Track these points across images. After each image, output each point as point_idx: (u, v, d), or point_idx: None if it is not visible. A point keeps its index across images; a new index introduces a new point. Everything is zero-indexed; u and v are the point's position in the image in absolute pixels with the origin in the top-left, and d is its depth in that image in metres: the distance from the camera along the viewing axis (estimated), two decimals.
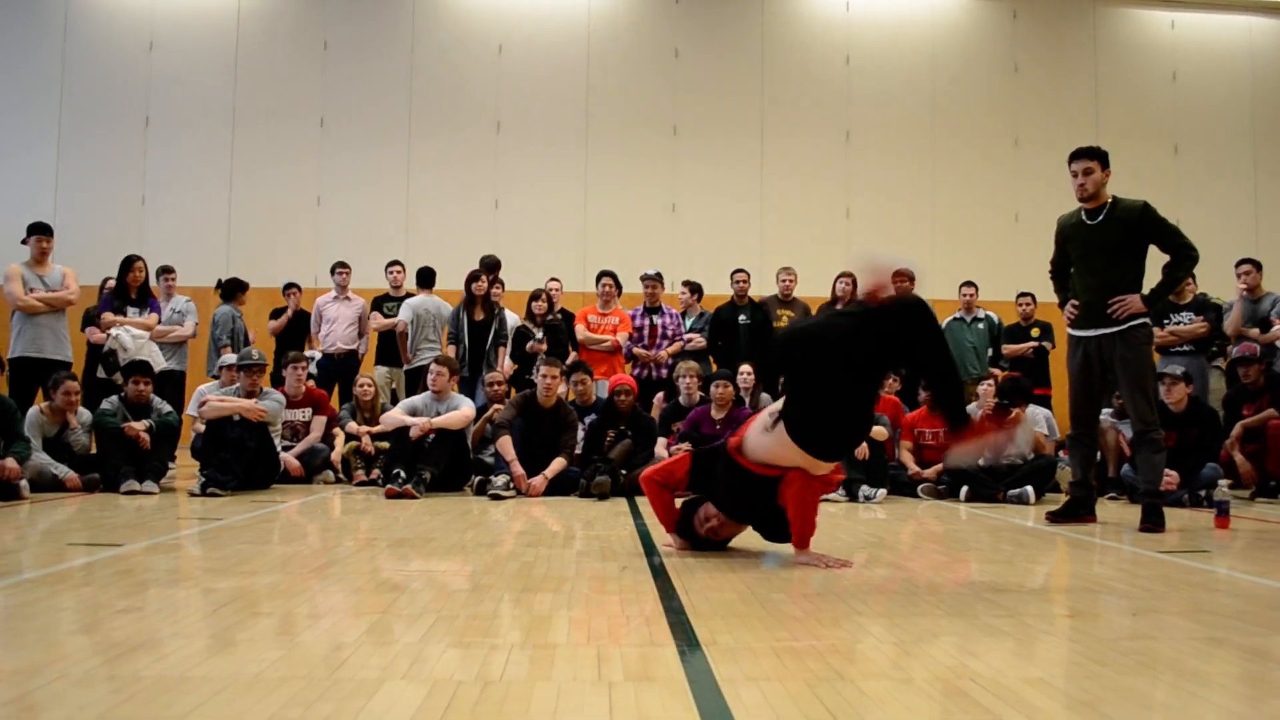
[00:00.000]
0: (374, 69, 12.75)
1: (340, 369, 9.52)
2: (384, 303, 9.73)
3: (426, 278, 9.41)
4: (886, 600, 3.22)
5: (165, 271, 9.35)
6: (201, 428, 7.41)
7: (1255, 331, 8.23)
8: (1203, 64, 13.46)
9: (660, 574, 3.62)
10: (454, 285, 9.38)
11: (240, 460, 6.96)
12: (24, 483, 6.30)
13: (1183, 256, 5.40)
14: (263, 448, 7.22)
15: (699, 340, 9.13)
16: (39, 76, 12.76)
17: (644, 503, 6.55)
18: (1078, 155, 5.58)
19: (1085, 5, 13.31)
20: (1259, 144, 13.37)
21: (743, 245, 11.96)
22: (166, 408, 7.39)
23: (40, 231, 7.79)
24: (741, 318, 9.19)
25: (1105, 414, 7.75)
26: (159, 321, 8.65)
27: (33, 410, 7.09)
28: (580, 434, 7.61)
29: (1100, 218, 5.53)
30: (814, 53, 12.98)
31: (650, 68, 12.84)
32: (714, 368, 8.84)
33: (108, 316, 8.37)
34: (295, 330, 10.04)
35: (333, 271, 9.83)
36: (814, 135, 12.84)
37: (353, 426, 8.08)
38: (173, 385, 8.54)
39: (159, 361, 8.19)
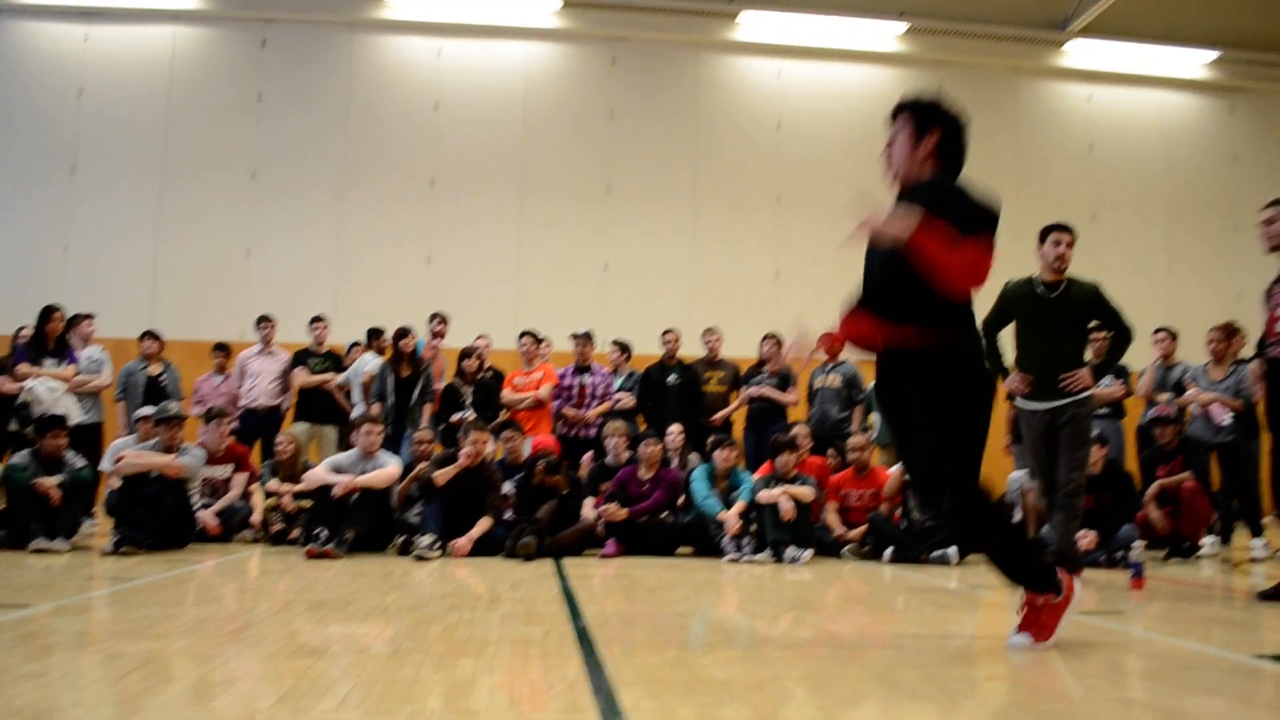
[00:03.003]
0: (308, 122, 12.69)
1: (262, 425, 9.35)
2: (307, 358, 9.59)
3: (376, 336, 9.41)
4: (811, 663, 3.22)
5: (80, 319, 9.06)
6: (117, 483, 7.20)
7: (1164, 396, 8.48)
8: (1119, 136, 13.96)
9: (584, 638, 3.58)
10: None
11: (156, 518, 6.77)
12: None
13: (1125, 337, 5.80)
14: (179, 505, 7.04)
15: (628, 400, 9.14)
16: None
17: (570, 564, 6.50)
18: (1060, 229, 5.78)
19: (1008, 77, 13.75)
20: (1173, 214, 13.86)
21: (673, 305, 12.04)
22: (81, 462, 7.18)
23: None
24: (670, 378, 9.23)
25: (1020, 475, 7.90)
26: (77, 373, 8.43)
27: None
28: (509, 488, 7.57)
29: (1057, 293, 5.76)
30: (746, 117, 13.21)
31: (585, 128, 12.96)
32: (642, 427, 8.85)
33: (23, 368, 8.14)
34: None
35: (257, 325, 9.68)
36: (745, 198, 13.03)
37: (273, 485, 7.92)
38: (89, 439, 8.30)
39: (75, 415, 7.97)
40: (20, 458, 7.01)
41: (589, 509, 7.54)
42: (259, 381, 9.45)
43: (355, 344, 9.76)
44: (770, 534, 7.06)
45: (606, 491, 7.65)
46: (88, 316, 9.13)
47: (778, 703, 2.62)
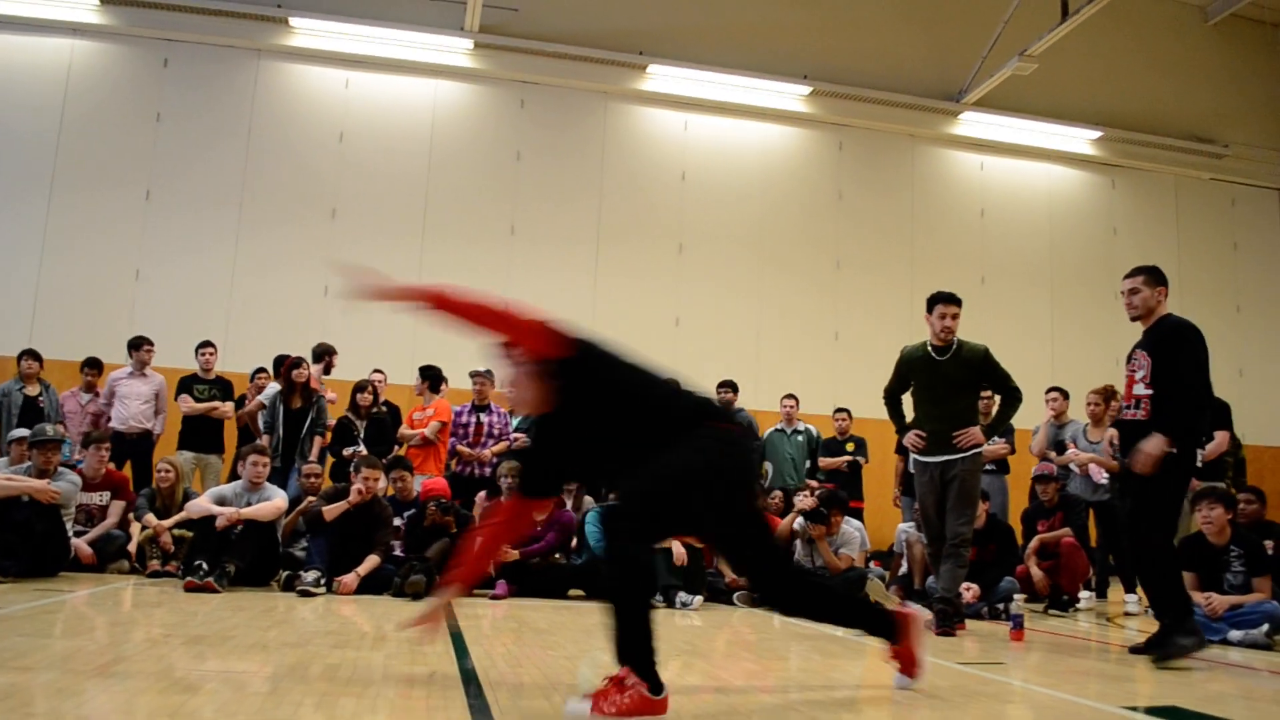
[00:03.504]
0: (208, 146, 12.41)
1: (133, 449, 9.02)
2: (194, 384, 9.31)
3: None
4: (699, 709, 3.22)
5: None
6: None
7: (1054, 454, 8.76)
8: (1007, 203, 14.51)
9: (471, 680, 3.53)
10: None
11: (26, 544, 6.47)
12: None
13: (1012, 398, 6.04)
14: (52, 531, 6.73)
15: (524, 440, 9.09)
16: None
17: (459, 604, 6.41)
18: (946, 300, 6.05)
19: (905, 142, 14.20)
20: (1056, 280, 14.41)
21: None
22: None
23: None
24: None
25: (908, 527, 8.07)
26: None
27: None
28: (398, 523, 7.45)
29: (948, 355, 6.03)
30: (652, 166, 13.36)
31: (492, 168, 12.92)
32: None
33: None
34: None
35: (136, 346, 9.35)
36: (648, 244, 13.13)
37: (149, 519, 7.61)
38: None
39: None
40: None
41: None
42: (129, 404, 9.13)
43: (260, 370, 9.51)
44: (661, 578, 7.07)
45: None
46: None
47: None
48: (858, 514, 9.40)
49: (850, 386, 11.67)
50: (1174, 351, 5.02)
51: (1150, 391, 5.05)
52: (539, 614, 6.20)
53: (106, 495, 7.66)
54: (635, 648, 2.98)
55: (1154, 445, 4.83)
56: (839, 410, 10.28)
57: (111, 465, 8.00)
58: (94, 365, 9.41)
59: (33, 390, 8.97)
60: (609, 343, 3.39)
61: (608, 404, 3.22)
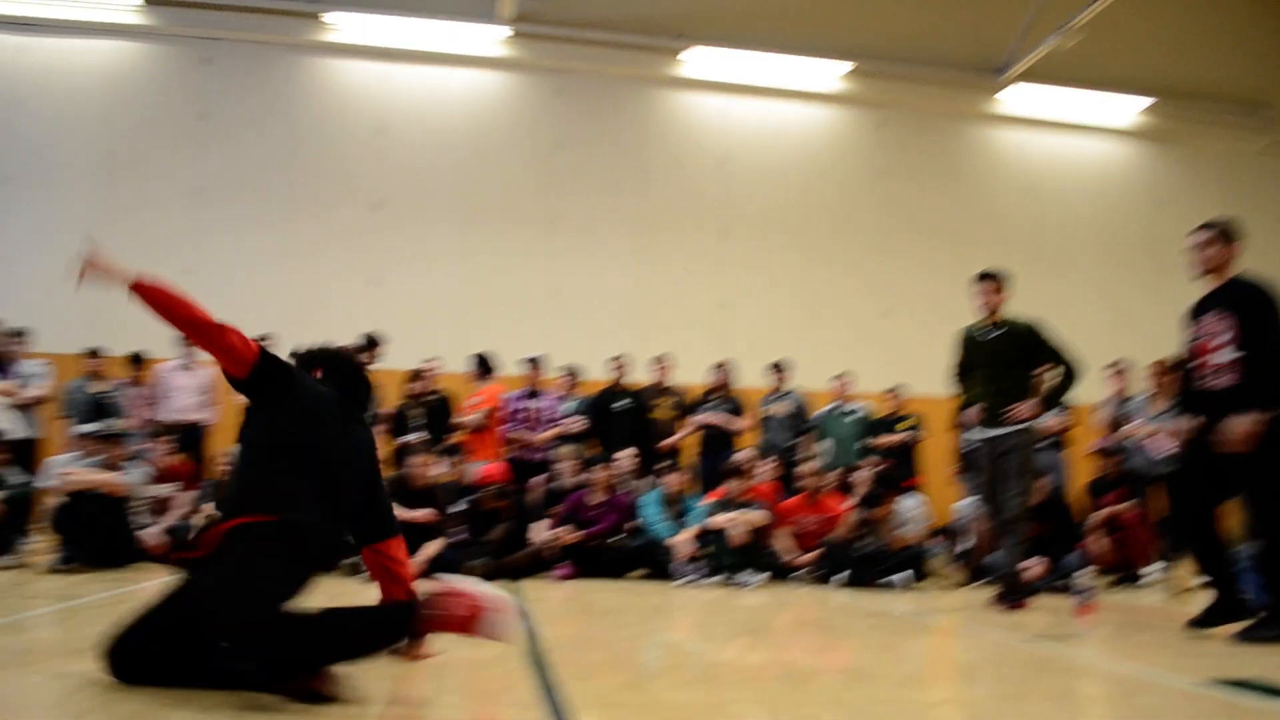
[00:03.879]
0: (252, 143, 12.56)
1: (185, 441, 9.15)
2: None
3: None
4: (764, 687, 3.23)
5: (15, 335, 8.84)
6: (58, 500, 7.04)
7: (1118, 429, 8.65)
8: (1053, 178, 14.32)
9: (537, 661, 3.57)
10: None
11: (96, 536, 6.63)
12: None
13: (1068, 371, 5.95)
14: (119, 523, 6.89)
15: (578, 423, 9.14)
16: None
17: (521, 586, 6.47)
18: (983, 278, 6.10)
19: (947, 121, 14.06)
20: (1105, 255, 14.20)
21: (620, 331, 12.05)
22: (21, 478, 7.02)
23: None
24: (619, 403, 9.25)
25: (968, 504, 8.02)
26: (12, 387, 8.23)
27: None
28: (462, 512, 7.52)
29: (997, 332, 6.06)
30: (692, 150, 13.28)
31: (532, 157, 12.93)
32: (592, 451, 8.84)
33: None
34: None
35: (180, 341, 9.48)
36: (692, 229, 13.09)
37: (208, 508, 7.72)
38: (26, 454, 8.10)
39: (15, 430, 7.79)
40: None
41: (539, 532, 7.51)
42: (179, 397, 9.27)
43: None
44: (722, 558, 7.09)
45: (558, 515, 7.64)
46: (18, 333, 8.89)
47: None
48: (916, 491, 9.35)
49: (904, 364, 11.58)
50: (1261, 313, 4.73)
51: (1239, 354, 4.72)
52: (601, 595, 6.25)
53: (174, 486, 7.81)
54: None
55: (1252, 419, 4.56)
56: (891, 389, 10.21)
57: (178, 457, 8.15)
58: (137, 361, 9.51)
59: (101, 387, 9.12)
60: (298, 376, 3.36)
61: (260, 436, 3.18)
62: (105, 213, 12.11)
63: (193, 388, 9.27)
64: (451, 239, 12.59)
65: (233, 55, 12.60)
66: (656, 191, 13.11)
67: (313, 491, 3.05)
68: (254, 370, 3.19)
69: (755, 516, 7.33)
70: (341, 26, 12.49)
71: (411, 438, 8.54)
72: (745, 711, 2.81)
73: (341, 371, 3.52)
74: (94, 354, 9.19)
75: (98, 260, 3.14)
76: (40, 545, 7.11)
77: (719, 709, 2.83)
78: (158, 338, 10.45)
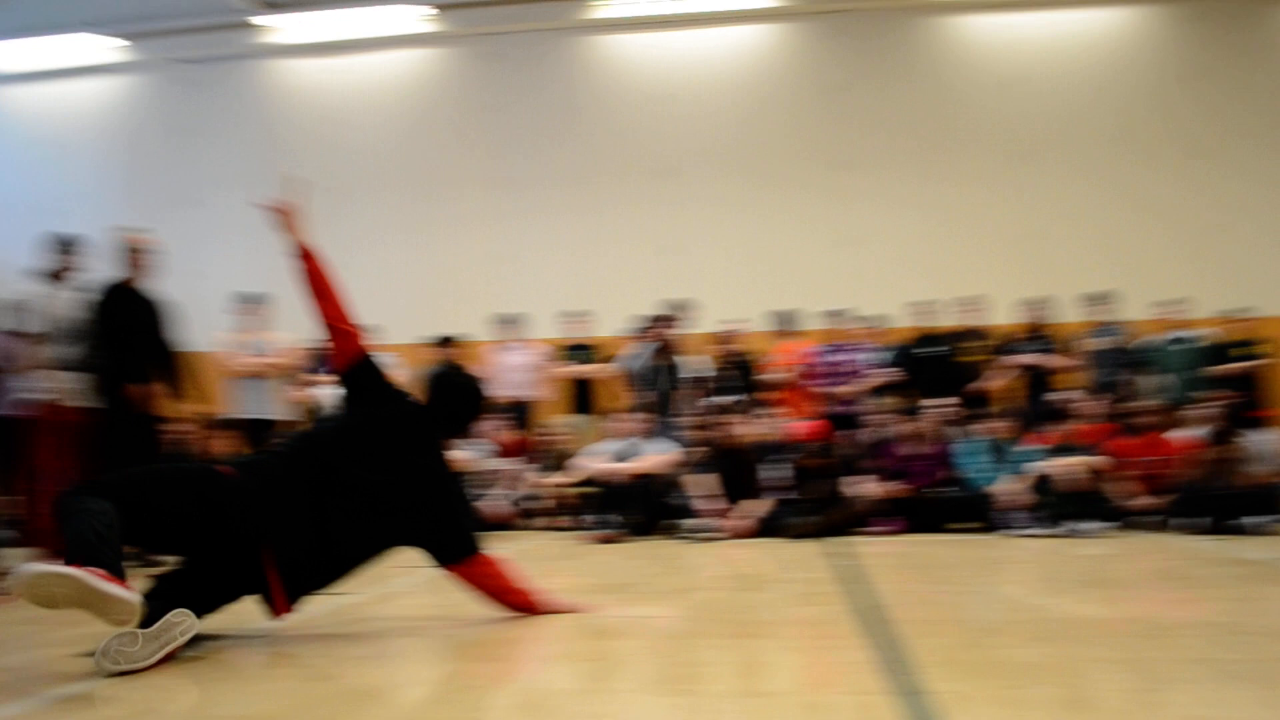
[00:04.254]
0: (530, 123, 13.10)
1: (521, 416, 9.71)
2: (569, 351, 9.93)
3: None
4: (1118, 643, 3.05)
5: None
6: None
7: None
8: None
9: (871, 618, 3.54)
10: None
11: None
12: None
13: None
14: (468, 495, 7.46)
15: (887, 375, 8.95)
16: (242, 158, 13.78)
17: (845, 543, 6.44)
18: None
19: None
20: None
21: (922, 276, 11.65)
22: None
23: (251, 300, 8.34)
24: (929, 350, 8.97)
25: None
26: None
27: None
28: (785, 471, 7.56)
29: None
30: (971, 76, 12.58)
31: (809, 103, 12.73)
32: (905, 402, 8.64)
33: (309, 376, 8.85)
34: None
35: (511, 322, 10.06)
36: (980, 159, 12.43)
37: (545, 477, 8.20)
38: None
39: None
40: None
41: (859, 487, 7.44)
42: (512, 375, 9.83)
43: (635, 331, 9.96)
44: (1056, 506, 6.76)
45: (877, 469, 7.53)
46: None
47: (1087, 685, 2.51)
48: (1266, 424, 8.48)
49: (1245, 282, 10.49)
50: None
51: None
52: (928, 549, 6.12)
53: (511, 459, 8.36)
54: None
55: None
56: (1232, 310, 9.27)
57: (508, 432, 8.71)
58: (447, 341, 10.07)
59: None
60: (382, 392, 3.57)
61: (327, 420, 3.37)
62: (418, 213, 13.12)
63: (520, 366, 9.81)
64: (744, 196, 12.62)
65: (517, 47, 13.21)
66: (940, 125, 12.53)
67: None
68: (350, 370, 3.56)
69: (1090, 460, 6.91)
70: (614, 1, 12.75)
71: (723, 399, 8.67)
72: (1098, 668, 2.67)
73: (446, 394, 3.68)
74: (445, 342, 9.86)
75: (289, 210, 3.51)
76: None
77: (1072, 668, 2.70)
78: (471, 322, 11.26)
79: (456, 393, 3.69)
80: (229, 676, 2.76)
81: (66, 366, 5.90)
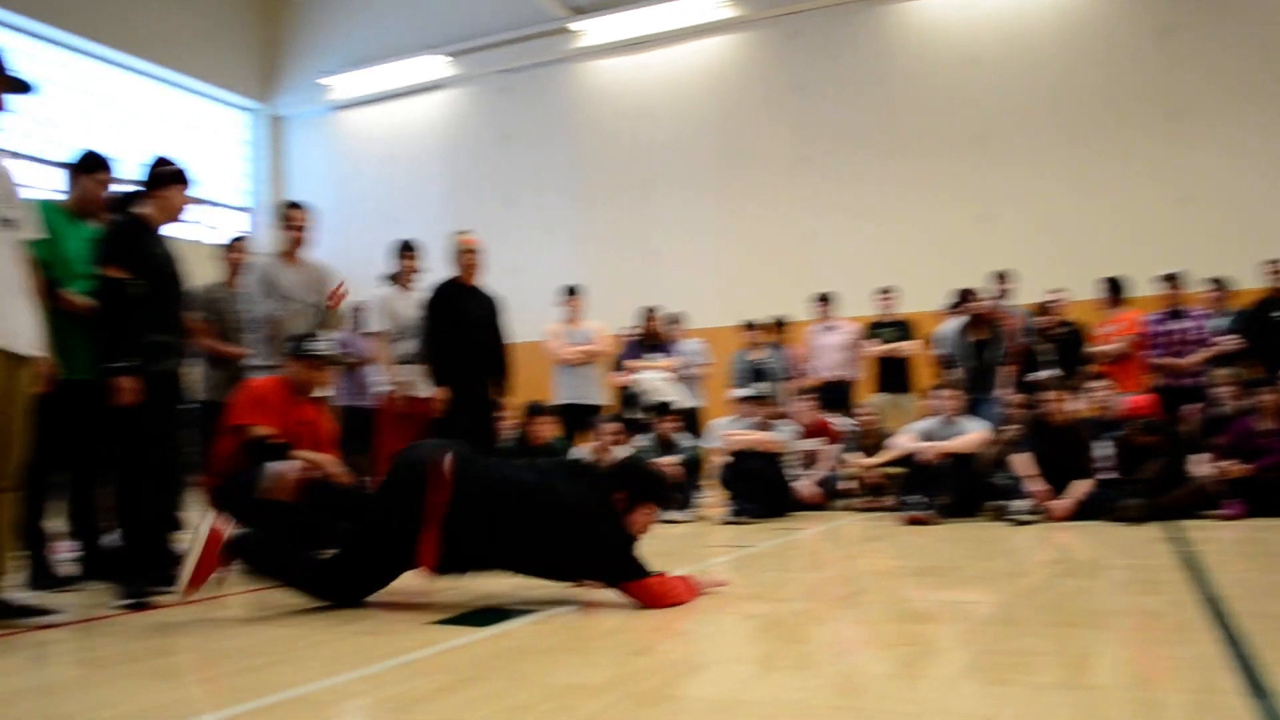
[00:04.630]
0: (848, 104, 12.95)
1: (836, 396, 9.63)
2: (878, 328, 9.75)
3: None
4: None
5: (675, 320, 10.05)
6: (727, 459, 7.87)
7: None
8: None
9: (1216, 609, 3.27)
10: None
11: (760, 489, 7.32)
12: None
13: None
14: (779, 477, 7.55)
15: (1233, 342, 8.17)
16: (557, 158, 14.56)
17: (1183, 527, 5.98)
18: None
19: None
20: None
21: (1269, 232, 10.52)
22: (690, 442, 7.95)
23: (571, 292, 8.76)
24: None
25: None
26: (676, 364, 9.31)
27: (579, 450, 7.94)
28: (1109, 450, 7.11)
29: None
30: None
31: (1142, 49, 11.77)
32: (1249, 372, 7.84)
33: (632, 362, 9.17)
34: None
35: (824, 300, 9.99)
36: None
37: (857, 458, 8.12)
38: (692, 421, 9.16)
39: (680, 400, 8.82)
40: (642, 442, 7.93)
41: (1200, 467, 6.86)
42: (825, 355, 9.76)
43: (949, 306, 9.70)
44: None
45: (1220, 446, 6.91)
46: (675, 318, 10.06)
47: None
48: None
49: None
50: None
51: None
52: (1275, 535, 5.56)
53: (820, 440, 8.35)
54: None
55: None
56: None
57: (820, 414, 8.69)
58: (779, 325, 10.11)
59: (759, 354, 9.93)
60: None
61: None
62: (726, 198, 13.32)
63: (836, 346, 9.75)
64: (1058, 161, 11.94)
65: (815, 24, 13.12)
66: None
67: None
68: None
69: None
70: None
71: (1042, 375, 8.25)
72: None
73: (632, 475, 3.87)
74: (750, 326, 10.01)
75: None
76: (711, 500, 7.99)
77: None
78: (782, 303, 11.30)
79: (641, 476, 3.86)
80: (556, 649, 2.95)
81: (409, 361, 6.49)
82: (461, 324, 6.23)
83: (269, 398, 4.73)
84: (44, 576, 4.31)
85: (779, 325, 10.11)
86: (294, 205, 5.82)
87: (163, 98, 15.80)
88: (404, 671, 2.63)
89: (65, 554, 4.66)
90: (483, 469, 3.70)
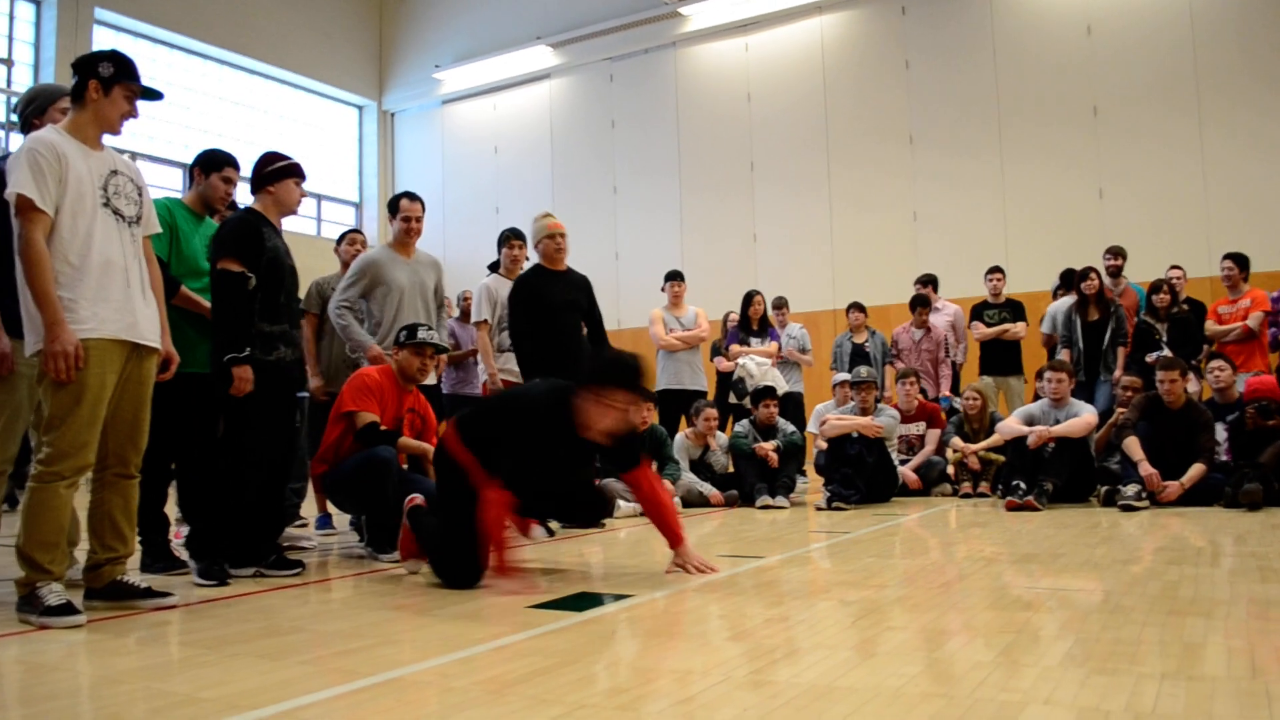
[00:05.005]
0: (955, 80, 12.69)
1: (946, 379, 9.48)
2: (985, 310, 9.56)
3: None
4: None
5: (780, 305, 10.01)
6: (823, 445, 7.82)
7: None
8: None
9: None
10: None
11: (861, 475, 7.25)
12: (677, 500, 7.11)
13: None
14: (881, 462, 7.46)
15: None
16: (661, 144, 14.56)
17: None
18: None
19: None
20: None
21: None
22: (791, 428, 7.91)
23: (675, 277, 8.77)
24: None
25: None
26: (779, 349, 9.26)
27: (679, 436, 7.97)
28: (1221, 435, 6.86)
29: None
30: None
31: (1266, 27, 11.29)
32: None
33: (735, 348, 9.16)
34: None
35: (925, 284, 9.81)
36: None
37: (959, 442, 7.98)
38: (794, 406, 9.12)
39: (782, 385, 8.78)
40: (741, 427, 7.92)
41: None
42: (927, 338, 9.58)
43: (1057, 287, 9.47)
44: None
45: None
46: (781, 303, 10.01)
47: None
48: None
49: None
50: None
51: None
52: None
53: (922, 425, 8.23)
54: None
55: None
56: None
57: (922, 397, 8.56)
58: (923, 303, 9.89)
59: (860, 338, 9.85)
60: None
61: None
62: (833, 178, 13.16)
63: (941, 326, 9.56)
64: (1184, 135, 11.51)
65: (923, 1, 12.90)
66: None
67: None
68: None
69: None
70: None
71: (1153, 356, 8.00)
72: None
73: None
74: (853, 309, 9.90)
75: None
76: (811, 485, 7.94)
77: None
78: (901, 286, 11.13)
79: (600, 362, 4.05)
80: (651, 634, 2.98)
81: (509, 349, 6.54)
82: (547, 311, 6.09)
83: (378, 386, 4.86)
84: (163, 559, 4.50)
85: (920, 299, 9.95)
86: (407, 196, 5.90)
87: (279, 98, 16.31)
88: (501, 654, 2.69)
89: (177, 540, 4.86)
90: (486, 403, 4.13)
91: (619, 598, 3.52)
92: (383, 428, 4.74)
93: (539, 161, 15.77)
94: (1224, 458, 6.76)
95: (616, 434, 3.94)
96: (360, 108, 17.50)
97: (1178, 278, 8.93)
